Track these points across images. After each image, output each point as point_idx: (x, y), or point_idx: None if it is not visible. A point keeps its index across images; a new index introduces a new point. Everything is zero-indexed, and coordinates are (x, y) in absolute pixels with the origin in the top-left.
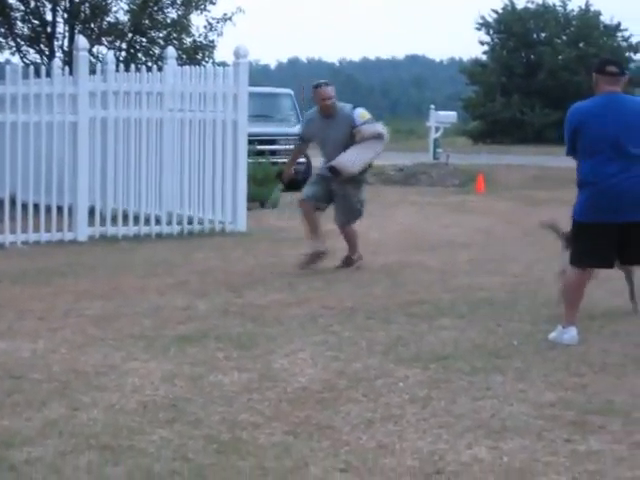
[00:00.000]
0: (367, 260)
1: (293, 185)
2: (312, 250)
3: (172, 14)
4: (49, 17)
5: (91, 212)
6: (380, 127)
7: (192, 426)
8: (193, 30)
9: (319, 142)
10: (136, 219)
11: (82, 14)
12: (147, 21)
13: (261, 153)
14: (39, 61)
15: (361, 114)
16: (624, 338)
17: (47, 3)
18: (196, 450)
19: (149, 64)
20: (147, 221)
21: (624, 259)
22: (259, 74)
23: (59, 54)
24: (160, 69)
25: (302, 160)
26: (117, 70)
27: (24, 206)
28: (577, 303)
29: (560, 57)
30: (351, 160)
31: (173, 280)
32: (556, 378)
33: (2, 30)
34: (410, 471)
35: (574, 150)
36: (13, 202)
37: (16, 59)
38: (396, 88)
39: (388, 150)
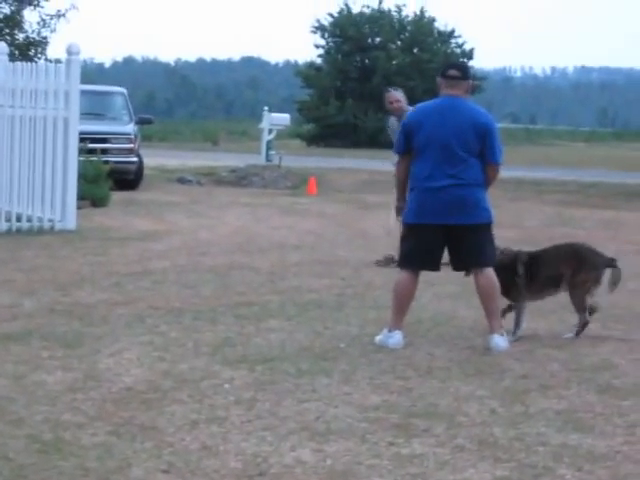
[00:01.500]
0: (196, 261)
1: (124, 184)
2: None
3: (5, 9)
4: None
5: None
6: None
7: (14, 425)
8: (26, 26)
9: None
10: None
11: None
12: None
13: (93, 151)
14: None
15: None
16: (449, 342)
17: None
18: (17, 450)
19: None
20: None
21: (453, 262)
22: (94, 72)
23: None
24: None
25: (134, 159)
26: None
27: None
28: (406, 308)
29: (394, 62)
30: None
31: None
32: (382, 381)
33: None
34: (233, 473)
35: (406, 149)
36: None
37: None
38: (231, 89)
39: (221, 151)
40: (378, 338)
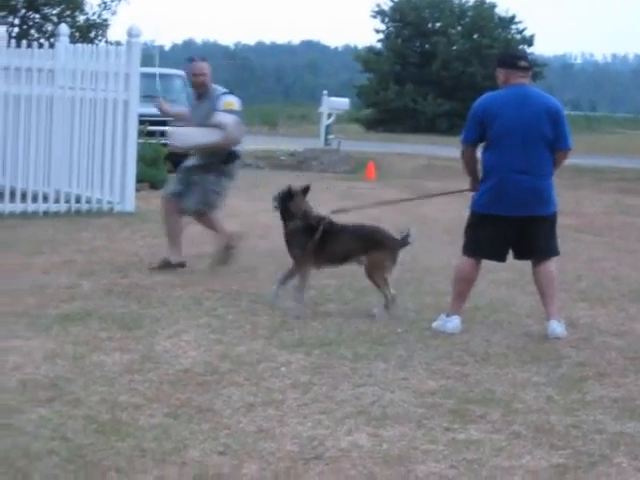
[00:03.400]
0: (254, 244)
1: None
2: (167, 259)
3: None
4: None
5: None
6: (232, 120)
7: (72, 406)
8: (87, 8)
9: (188, 121)
10: (24, 196)
11: None
12: None
13: (152, 134)
14: None
15: (227, 102)
16: (506, 328)
17: None
18: (75, 430)
19: (42, 41)
20: (35, 198)
21: (518, 252)
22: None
23: None
24: (52, 46)
25: None
26: (8, 45)
27: None
28: (466, 294)
29: (454, 47)
30: (183, 135)
31: (59, 259)
32: (438, 367)
33: None
34: (289, 455)
35: (478, 139)
36: None
37: None
38: (290, 73)
39: (279, 135)
40: (435, 324)
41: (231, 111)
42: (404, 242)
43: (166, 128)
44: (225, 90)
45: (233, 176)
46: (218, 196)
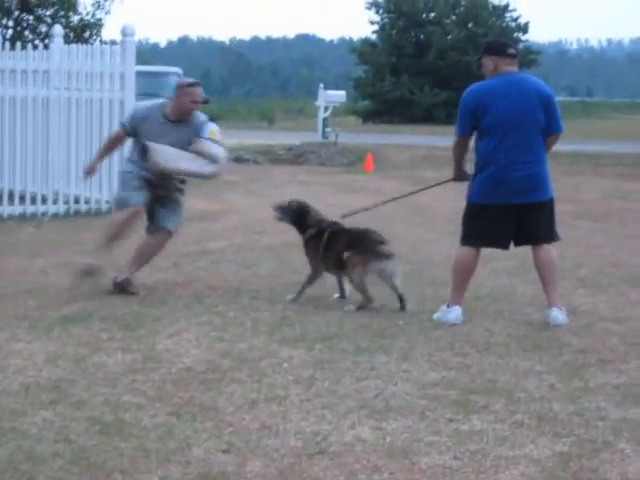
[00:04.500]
0: (253, 240)
1: None
2: (93, 263)
3: None
4: None
5: None
6: (221, 152)
7: (75, 408)
8: (80, 8)
9: (150, 140)
10: (22, 198)
11: None
12: None
13: None
14: None
15: (212, 131)
16: (508, 318)
17: None
18: (79, 432)
19: (36, 42)
20: (33, 200)
21: (518, 239)
22: (149, 53)
23: None
24: (47, 47)
25: None
26: (2, 48)
27: None
28: (466, 283)
29: (449, 37)
30: (170, 156)
31: (58, 260)
32: (440, 358)
33: None
34: (293, 451)
35: (469, 131)
36: None
37: None
38: (286, 67)
39: (277, 129)
40: (436, 315)
41: (215, 141)
42: (385, 254)
43: None
44: (205, 116)
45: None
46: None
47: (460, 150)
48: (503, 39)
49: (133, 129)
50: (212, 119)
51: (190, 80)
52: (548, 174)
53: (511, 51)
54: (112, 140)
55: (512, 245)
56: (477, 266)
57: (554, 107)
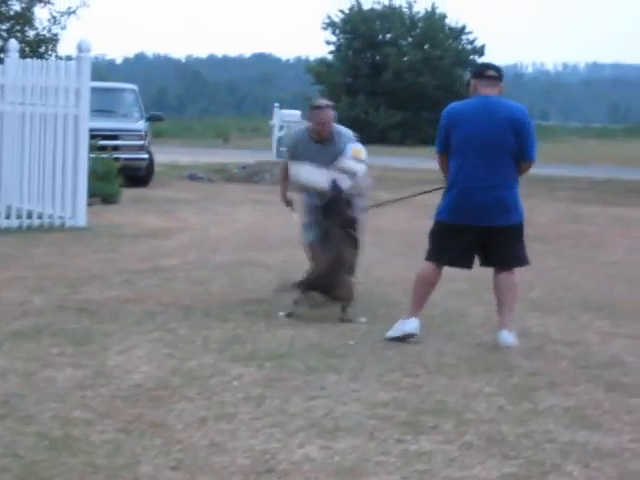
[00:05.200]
0: (206, 258)
1: (135, 181)
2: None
3: (16, 6)
4: None
5: None
6: (362, 169)
7: (23, 422)
8: (37, 23)
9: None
10: None
11: None
12: None
13: (103, 148)
14: None
15: (355, 150)
16: (459, 339)
17: None
18: (27, 447)
19: None
20: None
21: (483, 260)
22: (105, 69)
23: None
24: (1, 61)
25: (145, 156)
26: None
27: None
28: (425, 298)
29: (405, 58)
30: (308, 172)
31: (9, 274)
32: (390, 378)
33: None
34: (242, 469)
35: (444, 148)
36: None
37: None
38: (243, 86)
39: (232, 148)
40: (389, 333)
41: (359, 160)
42: None
43: (117, 142)
44: (351, 135)
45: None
46: None
47: (442, 166)
48: (486, 62)
49: (292, 156)
50: (358, 139)
51: (316, 102)
52: (517, 198)
53: (489, 73)
54: (283, 171)
55: (480, 265)
56: (438, 282)
57: (526, 134)
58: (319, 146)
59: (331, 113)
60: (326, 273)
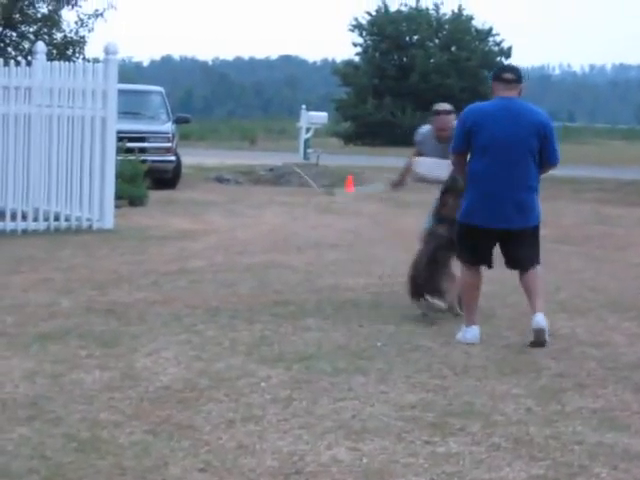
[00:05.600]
0: (233, 260)
1: (162, 183)
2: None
3: (43, 9)
4: None
5: None
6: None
7: (52, 424)
8: (64, 25)
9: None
10: (2, 215)
11: None
12: (18, 15)
13: (131, 150)
14: None
15: None
16: (486, 341)
17: None
18: (55, 448)
19: (19, 59)
20: (13, 217)
21: (506, 262)
22: (132, 71)
23: None
24: (29, 64)
25: (172, 158)
26: None
27: None
28: (475, 301)
29: (432, 60)
30: (431, 165)
31: (37, 277)
32: (418, 380)
33: None
34: (269, 471)
35: (464, 149)
36: None
37: None
38: (269, 88)
39: (258, 150)
40: (458, 335)
41: None
42: None
43: (144, 144)
44: None
45: None
46: None
47: (460, 167)
48: (506, 64)
49: (419, 152)
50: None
51: (437, 108)
52: (536, 202)
53: (506, 76)
54: (407, 162)
55: (493, 268)
56: (481, 282)
57: (551, 137)
58: (443, 145)
59: (451, 118)
60: (422, 266)
